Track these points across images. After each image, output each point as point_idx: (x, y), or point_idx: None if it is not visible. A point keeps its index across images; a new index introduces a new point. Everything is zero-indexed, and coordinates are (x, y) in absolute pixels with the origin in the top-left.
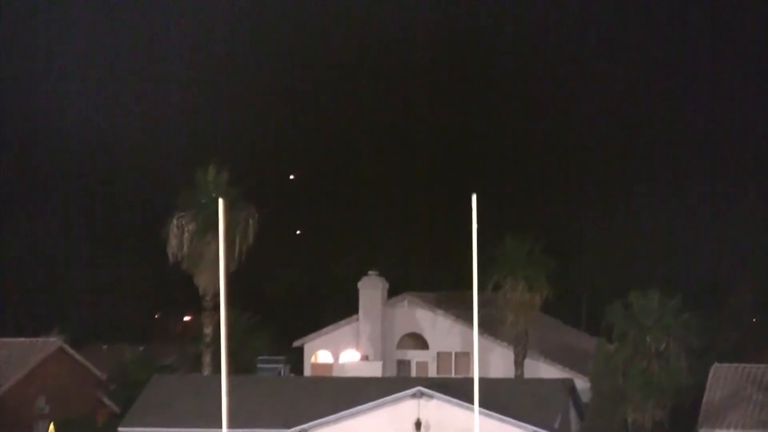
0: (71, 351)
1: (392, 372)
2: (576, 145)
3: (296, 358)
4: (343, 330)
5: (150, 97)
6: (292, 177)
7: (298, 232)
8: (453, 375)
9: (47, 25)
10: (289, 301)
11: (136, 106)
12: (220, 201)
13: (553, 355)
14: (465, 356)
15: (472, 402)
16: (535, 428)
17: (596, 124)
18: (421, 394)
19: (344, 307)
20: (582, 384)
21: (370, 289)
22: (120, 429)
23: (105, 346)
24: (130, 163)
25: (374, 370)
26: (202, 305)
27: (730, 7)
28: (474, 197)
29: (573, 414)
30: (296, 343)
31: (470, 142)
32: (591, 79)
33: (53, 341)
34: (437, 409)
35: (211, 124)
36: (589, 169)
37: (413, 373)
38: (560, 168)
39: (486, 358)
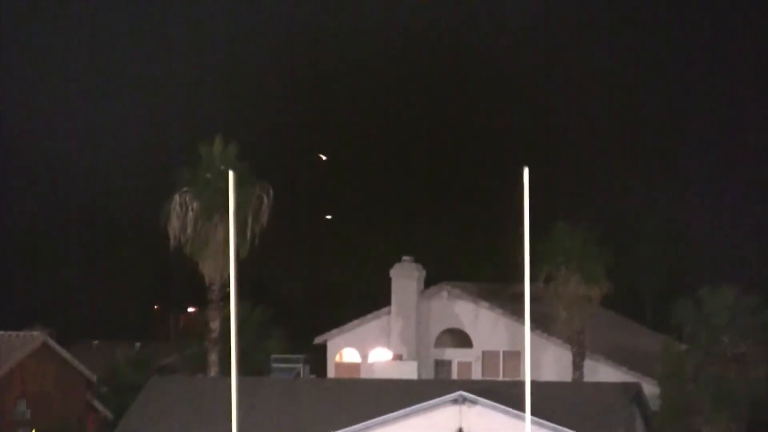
0: (57, 347)
1: (429, 374)
2: (633, 118)
3: (318, 358)
4: (372, 325)
5: (149, 65)
6: (324, 157)
7: (328, 216)
8: (500, 378)
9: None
10: (310, 292)
11: (131, 75)
12: (231, 174)
13: (616, 356)
14: (514, 356)
15: (522, 409)
16: None
17: (659, 99)
18: (464, 400)
19: (374, 299)
20: (650, 389)
21: (404, 278)
22: None
23: (96, 342)
24: (125, 138)
25: (408, 371)
26: (208, 297)
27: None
28: (526, 171)
29: (639, 423)
30: (318, 340)
31: (520, 118)
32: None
33: (36, 336)
34: (481, 418)
35: (221, 96)
36: (652, 147)
37: (454, 376)
38: (619, 145)
39: (538, 359)
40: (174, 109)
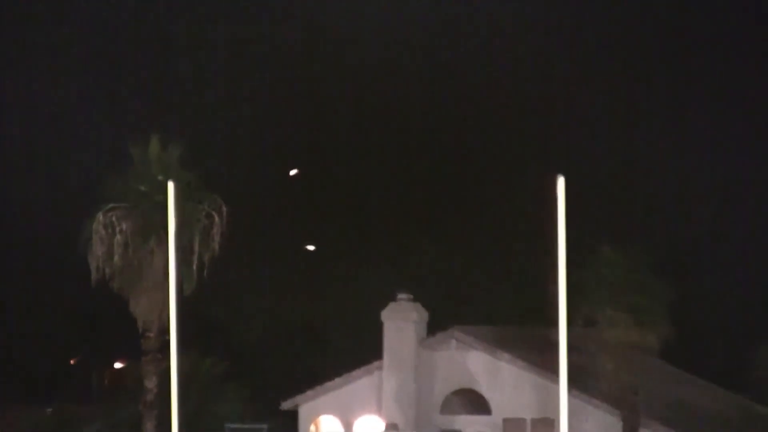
0: None
1: None
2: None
3: (287, 427)
4: (358, 384)
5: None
6: (294, 172)
7: (311, 247)
8: None
9: None
10: (277, 340)
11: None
12: (170, 185)
13: (678, 423)
14: (545, 425)
15: None
16: None
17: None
18: None
19: (360, 350)
20: None
21: (400, 322)
22: None
23: None
24: (35, 139)
25: None
26: (142, 346)
27: None
28: (561, 181)
29: None
30: (287, 404)
31: (547, 118)
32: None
33: None
34: None
35: (164, 87)
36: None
37: None
38: (672, 149)
39: (578, 427)
40: (104, 103)
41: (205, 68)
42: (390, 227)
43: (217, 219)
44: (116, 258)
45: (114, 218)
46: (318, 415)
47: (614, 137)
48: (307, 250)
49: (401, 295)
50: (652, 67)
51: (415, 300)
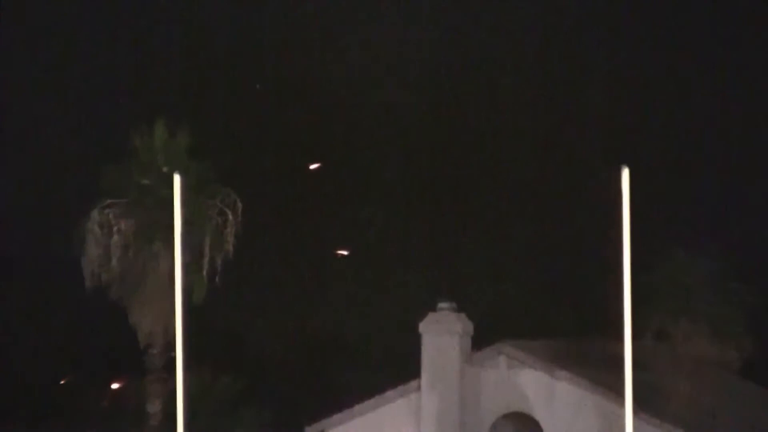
0: None
1: None
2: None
3: None
4: (393, 407)
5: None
6: (313, 166)
7: (344, 252)
8: None
9: None
10: (300, 355)
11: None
12: (176, 177)
13: None
14: None
15: None
16: None
17: None
18: None
19: (396, 367)
20: None
21: (441, 335)
22: None
23: None
24: (24, 127)
25: None
26: (145, 363)
27: None
28: (625, 172)
29: None
30: (312, 429)
31: (607, 104)
32: None
33: None
34: None
35: (173, 71)
36: None
37: None
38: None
39: None
40: (100, 85)
41: (217, 48)
42: (428, 227)
43: (231, 217)
44: (114, 262)
45: (111, 216)
46: None
47: (683, 125)
48: (338, 254)
49: (443, 304)
50: (734, 51)
51: (458, 309)
